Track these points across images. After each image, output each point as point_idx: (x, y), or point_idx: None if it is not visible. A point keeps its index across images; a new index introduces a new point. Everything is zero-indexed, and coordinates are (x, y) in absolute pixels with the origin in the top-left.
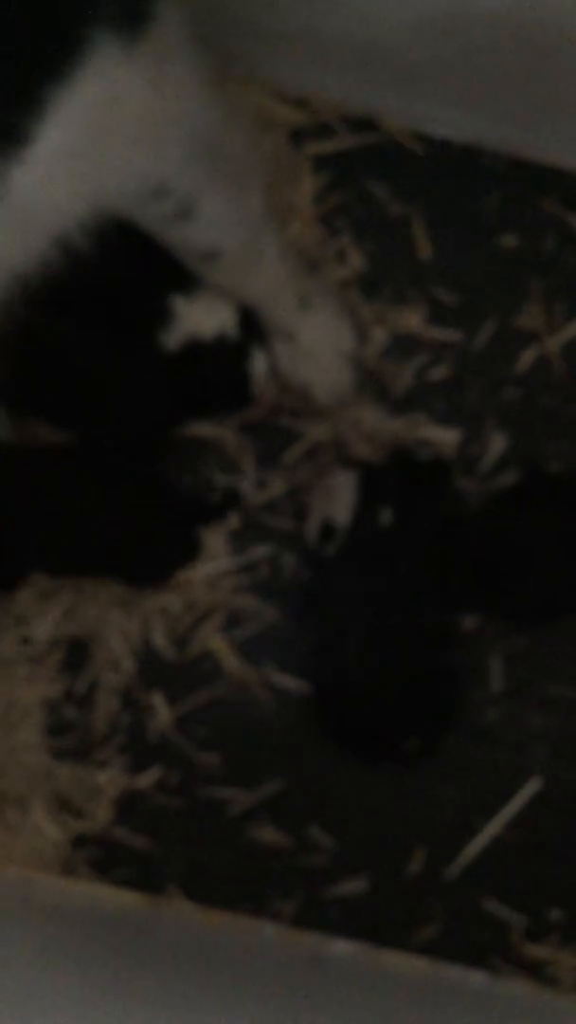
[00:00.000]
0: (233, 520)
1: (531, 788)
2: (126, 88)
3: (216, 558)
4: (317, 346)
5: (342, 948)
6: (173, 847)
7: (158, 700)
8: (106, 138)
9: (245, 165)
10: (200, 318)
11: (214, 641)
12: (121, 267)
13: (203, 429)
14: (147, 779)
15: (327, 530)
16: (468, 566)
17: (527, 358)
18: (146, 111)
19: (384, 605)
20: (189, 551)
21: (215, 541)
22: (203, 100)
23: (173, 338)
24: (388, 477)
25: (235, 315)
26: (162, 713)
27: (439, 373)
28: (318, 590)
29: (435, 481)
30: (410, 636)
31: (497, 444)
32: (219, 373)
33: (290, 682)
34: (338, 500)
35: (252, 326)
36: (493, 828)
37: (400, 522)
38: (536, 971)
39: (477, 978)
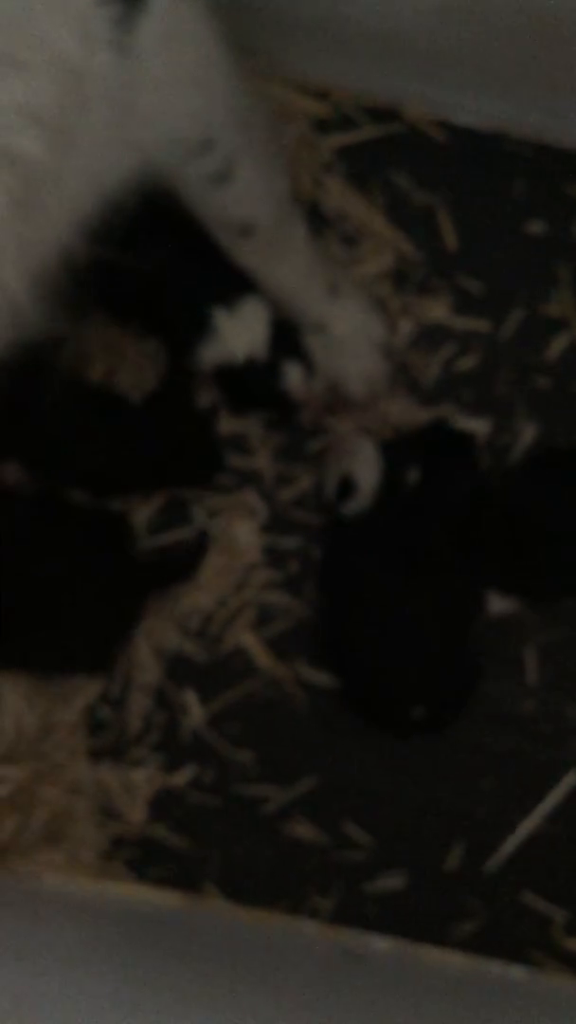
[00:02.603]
0: (261, 514)
1: (570, 781)
2: (184, 20)
3: (245, 554)
4: (349, 336)
5: (380, 944)
6: (209, 845)
7: (190, 698)
8: (176, 55)
9: (271, 144)
10: (234, 337)
11: (245, 638)
12: (167, 277)
13: (227, 424)
14: (181, 777)
15: (345, 488)
16: (495, 540)
17: (557, 346)
18: (197, 49)
19: (408, 574)
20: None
21: (245, 537)
22: (233, 68)
23: (209, 355)
24: (417, 440)
25: (265, 333)
26: (195, 711)
27: (467, 363)
28: (340, 557)
29: (463, 449)
30: (434, 608)
31: (527, 433)
32: (255, 392)
33: (322, 677)
34: (356, 457)
35: (282, 340)
36: (531, 822)
37: (427, 485)
38: None
39: (517, 973)
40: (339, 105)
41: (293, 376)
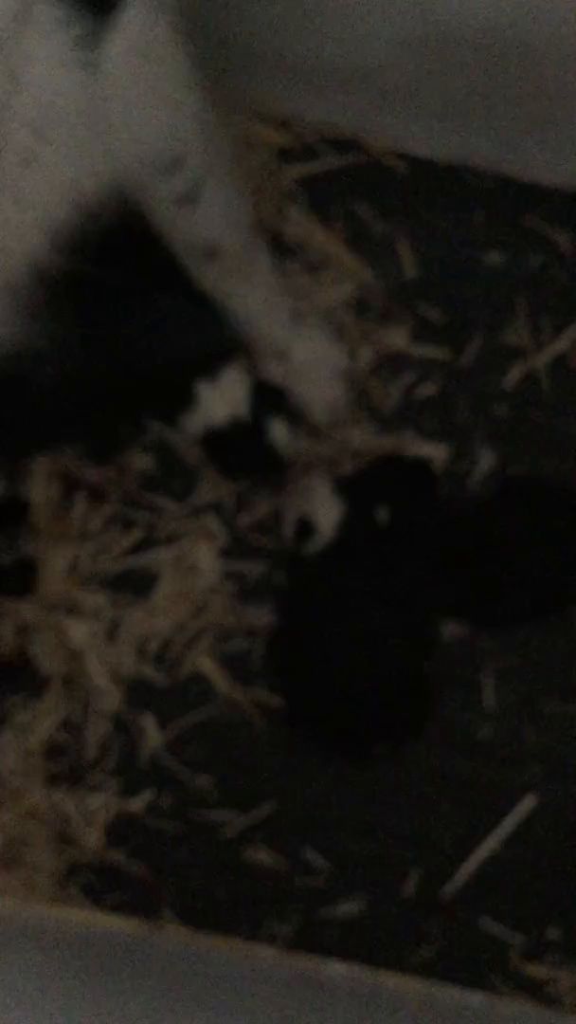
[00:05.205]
0: (221, 538)
1: (526, 805)
2: (153, 36)
3: (205, 579)
4: (311, 363)
5: (339, 970)
6: (167, 871)
7: (149, 723)
8: (145, 71)
9: (235, 169)
10: (216, 404)
11: (204, 662)
12: (151, 353)
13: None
14: (139, 802)
15: (304, 529)
16: (456, 568)
17: (514, 374)
18: (166, 65)
19: (371, 606)
20: None
21: (204, 561)
22: (202, 88)
23: (193, 424)
24: (378, 477)
25: (247, 396)
26: (153, 736)
27: (427, 390)
28: (301, 589)
29: (423, 480)
30: (393, 638)
31: (486, 460)
32: (242, 451)
33: (281, 702)
34: (311, 498)
35: (265, 401)
36: (489, 846)
37: (396, 520)
38: (535, 990)
39: (476, 998)
40: (301, 135)
41: (278, 431)
